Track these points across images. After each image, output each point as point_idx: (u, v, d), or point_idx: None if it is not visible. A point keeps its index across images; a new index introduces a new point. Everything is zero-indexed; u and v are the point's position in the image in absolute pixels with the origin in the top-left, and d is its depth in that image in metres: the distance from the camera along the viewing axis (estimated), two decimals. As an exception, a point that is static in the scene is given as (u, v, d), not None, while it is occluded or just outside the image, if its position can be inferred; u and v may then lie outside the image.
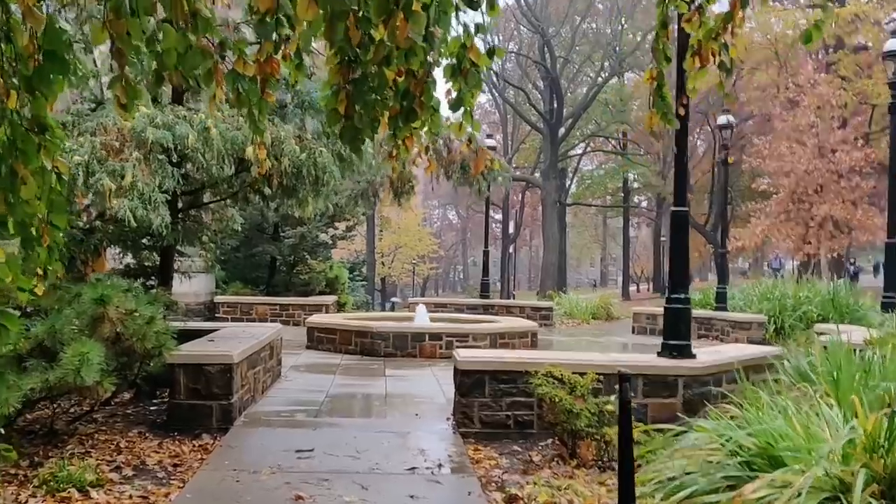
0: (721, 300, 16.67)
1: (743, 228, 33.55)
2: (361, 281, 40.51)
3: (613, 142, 55.25)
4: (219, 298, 18.13)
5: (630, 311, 23.94)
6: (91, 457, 5.53)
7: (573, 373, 6.32)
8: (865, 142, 31.81)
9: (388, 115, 3.68)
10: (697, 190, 55.37)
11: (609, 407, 5.95)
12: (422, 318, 13.70)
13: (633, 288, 65.23)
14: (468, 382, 6.70)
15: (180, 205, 8.04)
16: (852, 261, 33.23)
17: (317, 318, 13.28)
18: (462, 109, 3.58)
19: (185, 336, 8.03)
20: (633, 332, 17.80)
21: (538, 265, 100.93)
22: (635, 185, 55.23)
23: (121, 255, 8.53)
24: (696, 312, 17.42)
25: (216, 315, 17.95)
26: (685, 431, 5.51)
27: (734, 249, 36.15)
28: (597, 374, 6.33)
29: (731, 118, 17.00)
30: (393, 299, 56.97)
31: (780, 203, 32.11)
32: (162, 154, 5.65)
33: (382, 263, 56.96)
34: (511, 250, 56.64)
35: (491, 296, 22.69)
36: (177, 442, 6.16)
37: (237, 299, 18.17)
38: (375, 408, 7.78)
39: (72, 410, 6.79)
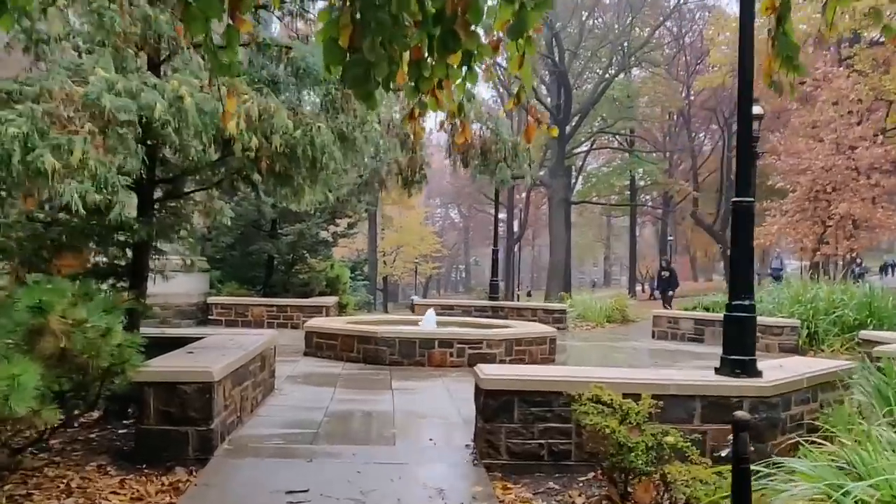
0: (748, 303, 15.56)
1: (758, 227, 32.28)
2: (363, 281, 39.51)
3: (620, 139, 54.21)
4: (212, 299, 17.06)
5: (646, 313, 22.88)
6: (31, 501, 4.47)
7: (622, 394, 5.27)
8: (884, 138, 30.71)
9: (407, 58, 2.61)
10: (705, 188, 54.38)
11: (669, 439, 4.88)
12: (430, 323, 12.64)
13: (636, 288, 63.85)
14: (493, 405, 5.62)
15: (158, 194, 6.98)
16: (859, 261, 31.46)
17: (316, 323, 12.22)
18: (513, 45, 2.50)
19: (165, 345, 6.98)
20: (653, 336, 16.73)
21: (540, 265, 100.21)
22: (641, 183, 54.19)
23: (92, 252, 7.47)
24: (721, 316, 16.34)
25: (209, 317, 16.90)
26: (770, 474, 4.46)
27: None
28: (652, 396, 5.26)
29: (760, 108, 15.90)
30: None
31: (796, 201, 30.95)
32: (124, 128, 4.61)
33: (384, 263, 56.01)
34: (515, 250, 55.58)
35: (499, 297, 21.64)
36: (143, 478, 5.08)
37: (232, 300, 17.11)
38: (382, 431, 6.70)
39: (26, 434, 5.72)
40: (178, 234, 6.41)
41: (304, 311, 16.83)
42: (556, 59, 39.45)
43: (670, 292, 25.37)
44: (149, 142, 6.51)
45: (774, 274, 29.30)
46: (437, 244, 61.79)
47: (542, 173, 45.35)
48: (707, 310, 16.77)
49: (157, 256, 7.15)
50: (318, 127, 5.25)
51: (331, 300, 17.96)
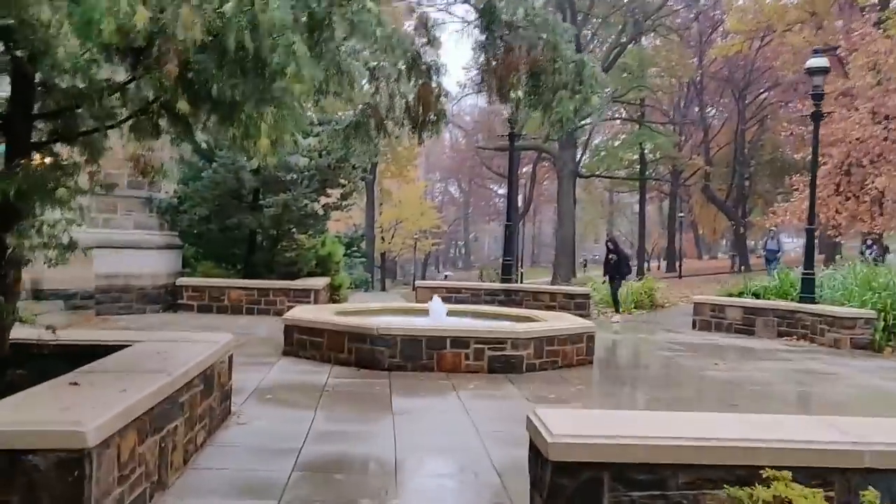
0: (808, 289, 13.30)
1: (784, 204, 29.91)
2: (360, 258, 37.19)
3: (629, 110, 51.65)
4: (182, 281, 14.73)
5: (673, 296, 20.64)
6: None
7: (777, 468, 3.01)
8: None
9: None
10: (717, 163, 51.87)
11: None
12: (437, 314, 10.34)
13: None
14: (569, 487, 3.31)
15: (41, 136, 4.61)
16: (869, 242, 27.48)
17: (298, 314, 9.87)
18: None
19: (67, 356, 4.76)
20: (693, 326, 14.46)
21: (540, 242, 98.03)
22: (651, 157, 51.72)
23: None
24: (775, 304, 14.11)
25: (179, 301, 14.61)
26: None
27: (771, 224, 32.88)
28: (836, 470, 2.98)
29: (824, 60, 13.49)
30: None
31: (827, 175, 28.50)
32: None
33: (382, 238, 53.77)
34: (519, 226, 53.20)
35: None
36: None
37: (205, 282, 14.78)
38: (379, 500, 4.39)
39: None
40: (51, 195, 4.06)
41: (289, 294, 14.55)
42: (569, 19, 36.88)
43: (617, 278, 17.04)
44: (17, 52, 4.17)
45: (770, 256, 23.17)
46: (437, 219, 59.50)
47: (545, 144, 42.91)
48: (756, 296, 14.47)
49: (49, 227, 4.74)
50: (263, 4, 2.89)
51: (321, 282, 15.66)
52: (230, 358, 6.04)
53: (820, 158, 29.04)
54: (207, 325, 12.53)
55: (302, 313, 9.79)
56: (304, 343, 9.28)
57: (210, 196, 15.23)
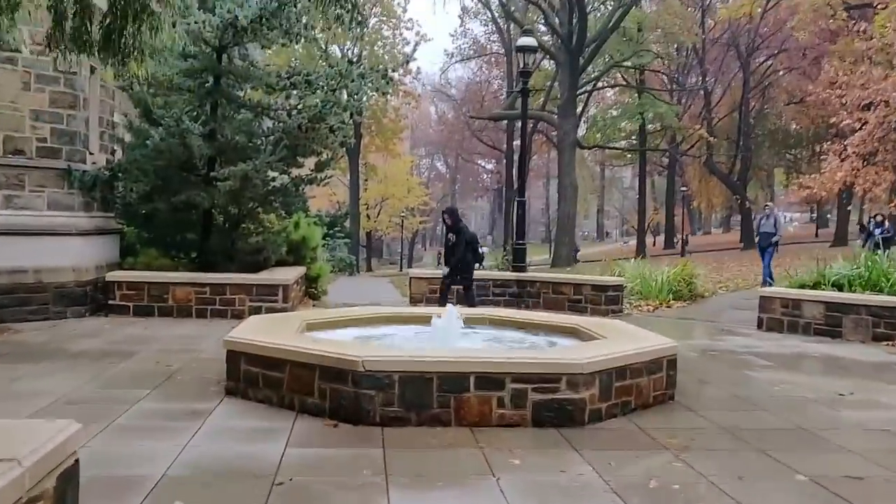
0: (910, 277, 10.43)
1: (818, 174, 27.08)
2: (344, 238, 34.11)
3: (629, 78, 48.63)
4: (114, 276, 11.64)
5: (712, 282, 17.79)
6: None
7: None
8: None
9: None
10: (718, 134, 49.03)
11: None
12: (449, 330, 7.33)
13: (623, 242, 57.78)
14: None
15: None
16: (880, 217, 21.91)
17: (247, 333, 6.75)
18: None
19: None
20: (759, 325, 11.57)
21: (531, 217, 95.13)
22: (651, 127, 48.73)
23: None
24: (868, 299, 11.23)
25: (111, 302, 11.55)
26: None
27: (798, 198, 30.32)
28: None
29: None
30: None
31: (861, 143, 25.62)
32: None
33: (367, 216, 50.72)
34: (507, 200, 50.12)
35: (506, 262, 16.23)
36: None
37: (144, 277, 11.70)
38: None
39: None
40: None
41: (251, 292, 11.56)
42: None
43: (455, 275, 12.23)
44: None
45: (763, 241, 18.04)
46: (425, 196, 56.52)
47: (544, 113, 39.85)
48: (838, 288, 11.59)
49: None
50: None
51: (292, 273, 12.62)
52: (69, 472, 3.02)
53: (854, 124, 26.31)
54: (137, 336, 9.49)
55: (252, 333, 6.68)
56: (254, 379, 6.26)
57: (151, 167, 12.14)
